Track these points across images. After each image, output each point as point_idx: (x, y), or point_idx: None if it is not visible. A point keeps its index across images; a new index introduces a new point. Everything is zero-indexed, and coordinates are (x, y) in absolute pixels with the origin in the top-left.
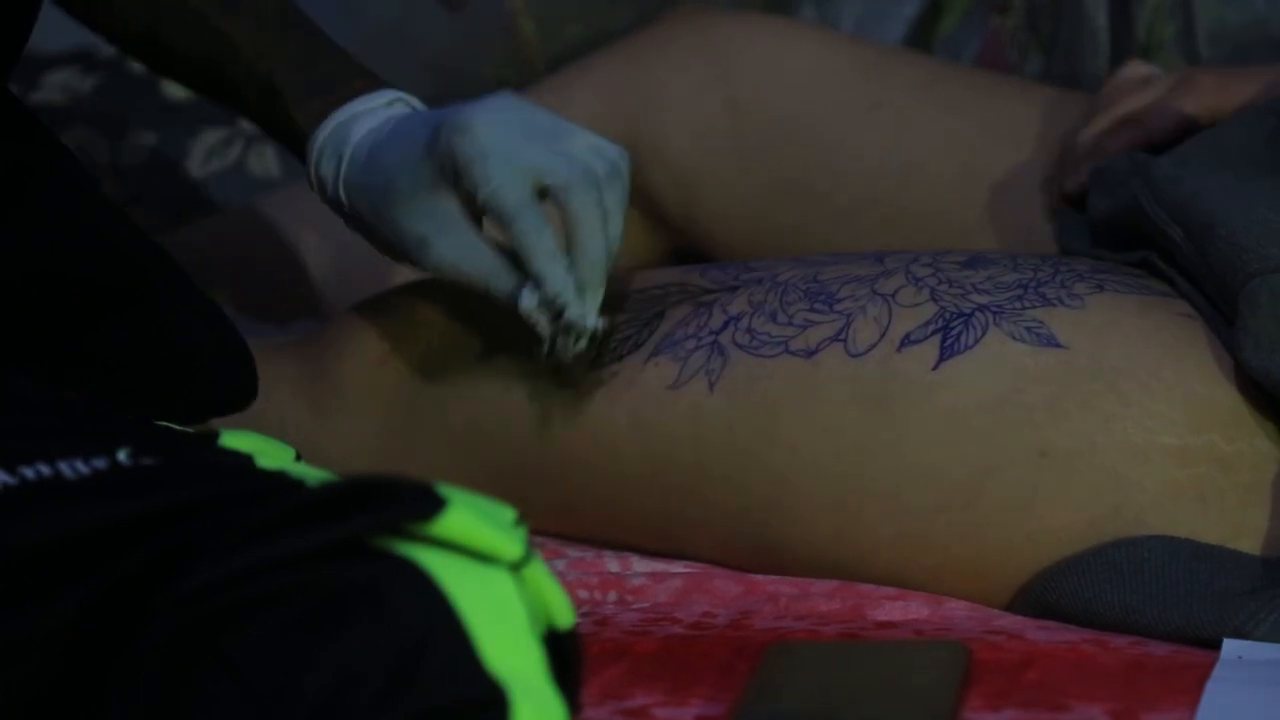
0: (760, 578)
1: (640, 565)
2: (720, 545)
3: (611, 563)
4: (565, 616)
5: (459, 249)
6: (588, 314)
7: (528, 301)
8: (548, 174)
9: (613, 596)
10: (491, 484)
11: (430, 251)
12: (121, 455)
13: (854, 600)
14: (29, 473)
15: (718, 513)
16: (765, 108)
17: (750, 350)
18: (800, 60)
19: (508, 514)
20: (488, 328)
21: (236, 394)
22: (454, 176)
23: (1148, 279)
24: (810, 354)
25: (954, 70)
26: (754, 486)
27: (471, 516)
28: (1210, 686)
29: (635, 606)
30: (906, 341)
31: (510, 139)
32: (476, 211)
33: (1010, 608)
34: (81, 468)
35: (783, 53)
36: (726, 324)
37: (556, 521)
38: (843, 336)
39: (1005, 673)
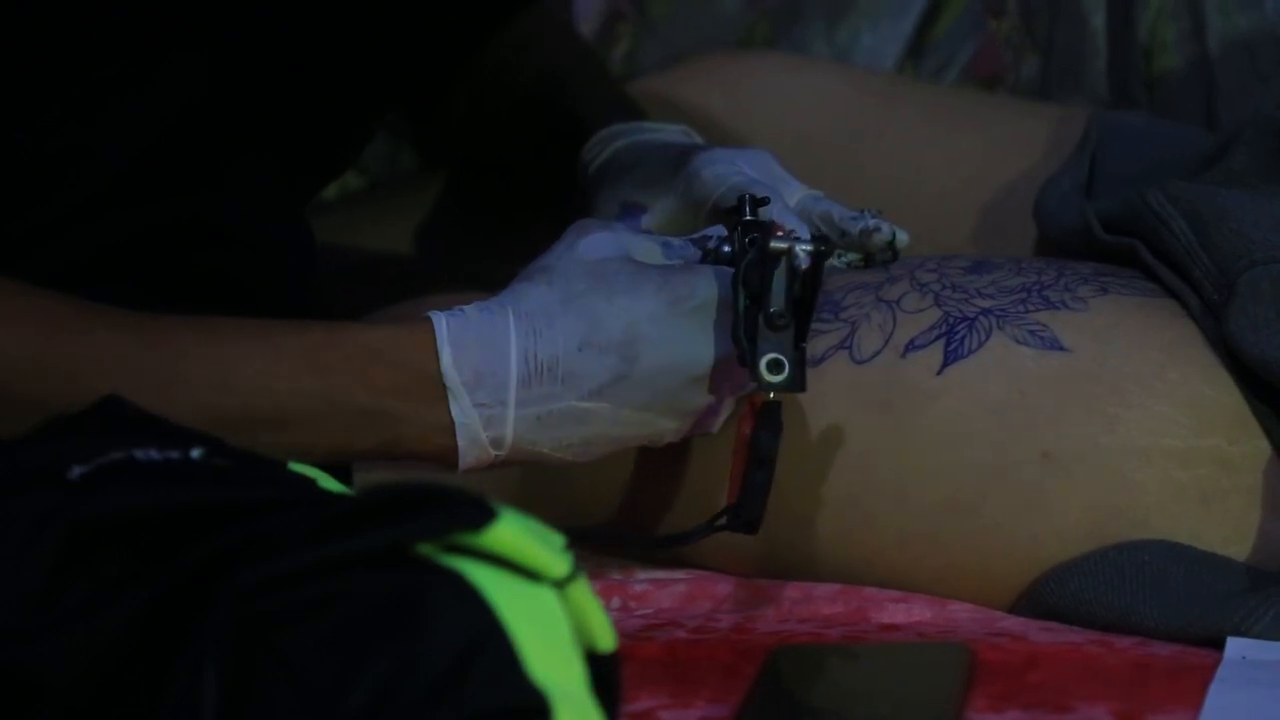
0: (763, 581)
1: (643, 571)
2: (724, 550)
3: (614, 569)
4: (606, 639)
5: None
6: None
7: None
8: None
9: (615, 603)
10: (496, 493)
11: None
12: (195, 453)
13: (857, 603)
14: (103, 459)
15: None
16: (779, 131)
17: None
18: (811, 89)
19: (556, 537)
20: None
21: None
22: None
23: (1149, 280)
24: (816, 363)
25: (956, 95)
26: None
27: (519, 531)
28: (1214, 688)
29: (638, 612)
30: (911, 347)
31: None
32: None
33: (1014, 609)
34: (155, 455)
35: (795, 83)
36: None
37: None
38: (848, 344)
39: (1009, 674)
